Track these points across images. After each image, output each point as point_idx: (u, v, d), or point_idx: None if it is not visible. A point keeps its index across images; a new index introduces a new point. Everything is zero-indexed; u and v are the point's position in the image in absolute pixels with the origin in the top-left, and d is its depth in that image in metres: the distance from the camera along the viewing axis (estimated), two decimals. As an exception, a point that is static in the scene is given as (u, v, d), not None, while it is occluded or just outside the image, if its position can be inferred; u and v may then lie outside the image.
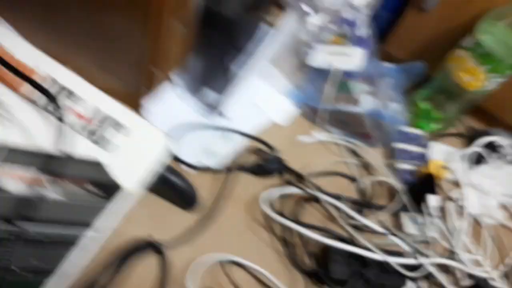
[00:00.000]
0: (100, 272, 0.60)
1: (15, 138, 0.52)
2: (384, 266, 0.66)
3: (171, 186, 0.67)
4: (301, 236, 0.69)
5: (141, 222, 0.67)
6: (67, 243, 0.49)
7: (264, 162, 0.75)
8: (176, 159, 0.74)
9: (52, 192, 0.50)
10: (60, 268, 0.49)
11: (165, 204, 0.70)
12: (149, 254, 0.65)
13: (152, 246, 0.65)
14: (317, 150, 0.82)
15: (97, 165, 0.53)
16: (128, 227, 0.66)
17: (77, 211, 0.50)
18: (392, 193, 0.79)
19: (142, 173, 0.54)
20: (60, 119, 0.53)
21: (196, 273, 0.64)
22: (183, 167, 0.73)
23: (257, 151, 0.78)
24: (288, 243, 0.70)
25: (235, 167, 0.74)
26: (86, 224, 0.50)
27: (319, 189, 0.74)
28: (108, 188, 0.52)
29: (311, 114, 0.84)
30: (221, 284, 0.65)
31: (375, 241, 0.67)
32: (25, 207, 0.49)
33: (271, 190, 0.72)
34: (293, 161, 0.77)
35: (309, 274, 0.68)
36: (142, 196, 0.68)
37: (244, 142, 0.78)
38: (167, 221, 0.69)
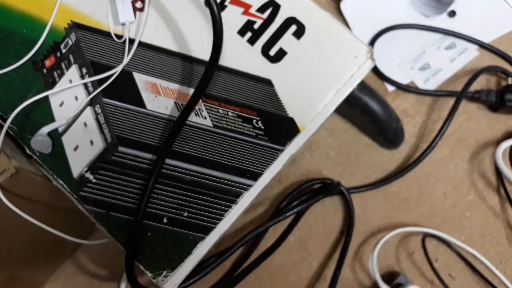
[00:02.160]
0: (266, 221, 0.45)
1: (165, 42, 0.36)
2: None
3: (364, 112, 0.48)
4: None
5: (323, 156, 0.50)
6: (225, 196, 0.34)
7: (508, 92, 0.50)
8: (373, 69, 0.53)
9: (208, 121, 0.34)
10: (215, 227, 0.34)
11: (356, 133, 0.51)
12: (329, 199, 0.49)
13: (336, 190, 0.48)
14: None
15: (268, 90, 0.34)
16: (303, 160, 0.50)
17: (237, 154, 0.34)
18: None
19: (328, 106, 0.34)
20: (215, 11, 0.33)
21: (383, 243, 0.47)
22: (379, 82, 0.52)
23: (497, 72, 0.53)
24: (529, 220, 0.48)
25: (460, 92, 0.51)
26: (247, 174, 0.34)
27: None
28: (280, 128, 0.34)
29: None
30: (415, 259, 0.47)
31: None
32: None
33: (515, 137, 0.49)
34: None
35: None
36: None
37: (477, 56, 0.53)
38: (356, 158, 0.50)
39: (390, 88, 0.52)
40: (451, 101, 0.50)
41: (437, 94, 0.52)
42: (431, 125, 0.51)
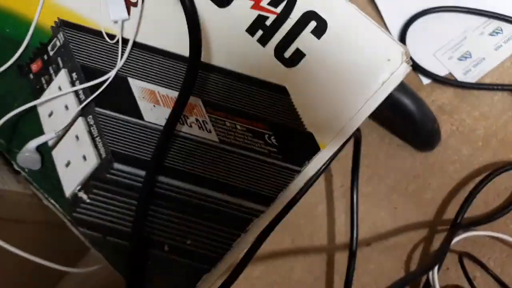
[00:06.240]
0: None
1: (164, 42, 0.30)
2: None
3: (396, 110, 0.42)
4: None
5: (346, 158, 0.45)
6: (233, 223, 0.30)
7: None
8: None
9: (213, 135, 0.30)
10: (222, 258, 0.30)
11: (385, 133, 0.46)
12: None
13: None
14: None
15: (283, 99, 0.29)
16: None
17: (247, 175, 0.29)
18: None
19: (355, 119, 0.29)
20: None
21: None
22: (412, 74, 0.46)
23: (550, 62, 0.46)
24: None
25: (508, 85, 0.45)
26: (258, 198, 0.29)
27: None
28: (297, 145, 0.29)
29: None
30: (449, 276, 0.43)
31: None
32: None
33: None
34: None
35: None
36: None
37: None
38: (386, 161, 0.45)
39: (425, 80, 0.46)
40: (495, 95, 0.44)
41: (479, 87, 0.45)
42: (471, 124, 0.45)
